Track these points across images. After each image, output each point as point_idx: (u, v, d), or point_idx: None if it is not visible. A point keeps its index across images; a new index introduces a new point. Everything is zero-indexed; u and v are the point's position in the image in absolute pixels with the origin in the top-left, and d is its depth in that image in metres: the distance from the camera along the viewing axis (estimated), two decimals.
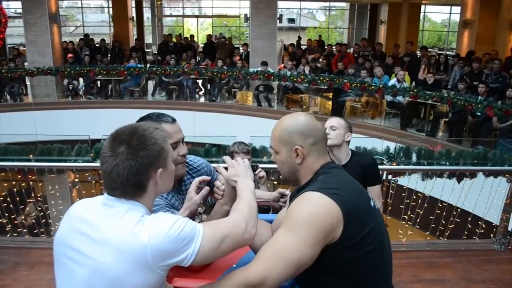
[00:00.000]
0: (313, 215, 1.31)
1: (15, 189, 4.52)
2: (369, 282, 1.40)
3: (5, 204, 4.15)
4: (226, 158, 1.59)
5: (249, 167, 1.56)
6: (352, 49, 13.03)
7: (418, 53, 11.60)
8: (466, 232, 4.26)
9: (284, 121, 1.51)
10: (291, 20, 25.19)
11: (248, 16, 13.25)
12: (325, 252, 1.34)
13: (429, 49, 13.47)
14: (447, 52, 13.98)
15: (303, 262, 1.31)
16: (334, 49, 11.86)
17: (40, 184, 4.86)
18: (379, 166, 3.14)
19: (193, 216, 1.63)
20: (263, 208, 3.09)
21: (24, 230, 4.30)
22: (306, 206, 1.34)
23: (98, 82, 11.28)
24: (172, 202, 1.81)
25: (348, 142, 2.72)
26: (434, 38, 23.65)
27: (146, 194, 1.25)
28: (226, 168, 1.57)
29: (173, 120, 1.77)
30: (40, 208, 5.52)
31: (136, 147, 1.20)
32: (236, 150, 3.06)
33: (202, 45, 14.06)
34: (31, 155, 3.89)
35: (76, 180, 4.63)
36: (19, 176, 4.06)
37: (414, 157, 4.06)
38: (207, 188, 1.61)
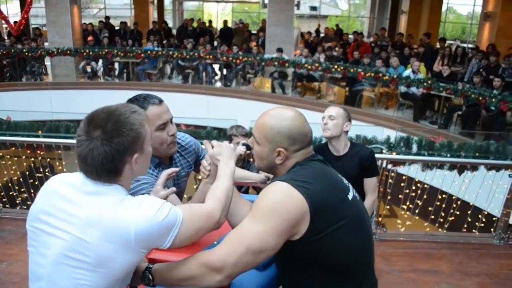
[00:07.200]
0: (279, 205, 1.31)
1: (25, 165, 4.64)
2: (348, 273, 1.40)
3: (15, 178, 4.29)
4: (213, 141, 1.59)
5: (233, 149, 1.58)
6: (371, 38, 12.83)
7: (438, 45, 11.36)
8: (465, 225, 4.24)
9: (272, 119, 1.47)
10: (313, 8, 24.84)
11: (265, 2, 13.13)
12: (296, 245, 1.35)
13: (451, 42, 13.11)
14: (469, 45, 13.60)
15: (263, 250, 1.32)
16: (352, 38, 11.69)
17: (48, 160, 4.99)
18: (378, 155, 3.14)
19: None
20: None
21: None
22: (272, 196, 1.34)
23: (116, 64, 11.44)
24: None
25: (347, 132, 2.70)
26: (458, 31, 23.05)
27: (121, 177, 1.25)
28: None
29: (160, 101, 1.77)
30: None
31: (111, 133, 1.19)
32: (234, 132, 3.14)
33: (219, 31, 14.02)
34: (40, 131, 3.99)
35: None
36: (28, 151, 4.17)
37: (414, 148, 4.02)
38: (173, 189, 1.58)
